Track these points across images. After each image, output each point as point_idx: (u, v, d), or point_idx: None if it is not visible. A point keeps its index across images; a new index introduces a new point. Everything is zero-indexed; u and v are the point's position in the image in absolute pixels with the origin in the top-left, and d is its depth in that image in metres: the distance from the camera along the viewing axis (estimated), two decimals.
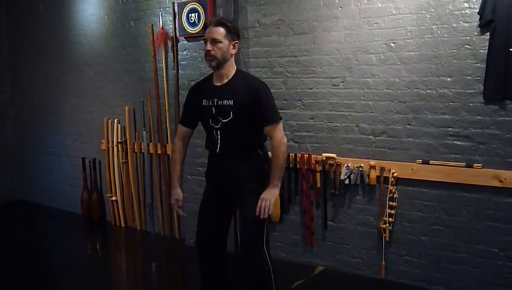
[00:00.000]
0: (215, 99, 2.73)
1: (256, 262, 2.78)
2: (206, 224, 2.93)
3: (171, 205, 3.09)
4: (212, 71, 2.83)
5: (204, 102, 2.79)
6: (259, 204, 2.68)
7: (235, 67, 2.81)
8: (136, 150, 5.06)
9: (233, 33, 2.73)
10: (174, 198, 2.97)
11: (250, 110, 2.69)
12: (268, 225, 2.86)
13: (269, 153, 2.88)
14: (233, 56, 2.77)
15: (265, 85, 2.82)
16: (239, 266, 2.93)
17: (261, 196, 2.70)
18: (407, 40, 3.42)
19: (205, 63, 2.79)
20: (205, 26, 2.77)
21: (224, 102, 2.70)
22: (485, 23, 3.09)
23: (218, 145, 2.77)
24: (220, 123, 2.73)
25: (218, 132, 2.75)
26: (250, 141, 2.78)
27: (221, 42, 2.66)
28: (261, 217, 2.68)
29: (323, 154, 3.82)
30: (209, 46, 2.67)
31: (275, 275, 2.81)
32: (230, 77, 2.76)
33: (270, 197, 2.70)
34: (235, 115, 2.69)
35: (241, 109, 2.68)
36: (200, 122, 2.93)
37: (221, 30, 2.67)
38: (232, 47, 2.72)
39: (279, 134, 2.73)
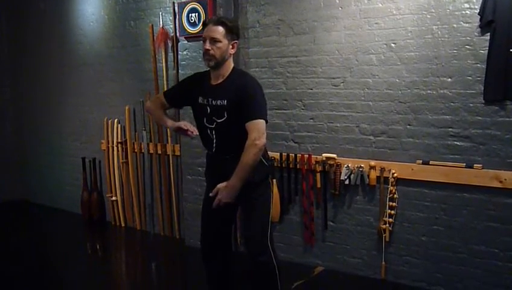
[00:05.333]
0: (210, 99, 2.69)
1: (261, 261, 2.77)
2: (210, 227, 2.93)
3: (179, 132, 2.80)
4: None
5: (200, 99, 2.75)
6: (217, 196, 2.61)
7: (232, 66, 2.74)
8: (136, 150, 5.06)
9: (233, 33, 2.67)
10: (177, 125, 2.81)
11: (240, 108, 2.61)
12: (271, 223, 2.84)
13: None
14: (232, 56, 2.71)
15: (257, 83, 2.73)
16: (242, 265, 2.92)
17: (219, 188, 2.60)
18: (408, 41, 3.42)
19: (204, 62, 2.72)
20: (204, 24, 2.70)
21: (218, 102, 2.66)
22: (486, 24, 3.09)
23: (214, 145, 2.74)
24: (215, 123, 2.69)
25: (214, 132, 2.72)
26: (245, 140, 2.67)
27: (220, 42, 2.61)
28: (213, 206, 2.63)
29: (324, 155, 3.81)
30: (207, 46, 2.61)
31: (279, 273, 2.80)
32: (225, 77, 2.70)
33: (224, 196, 2.59)
34: (229, 115, 2.64)
35: (234, 109, 2.62)
36: (194, 120, 2.88)
37: (221, 29, 2.61)
38: (231, 47, 2.67)
39: (253, 134, 2.55)
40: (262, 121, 2.60)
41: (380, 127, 3.59)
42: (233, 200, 2.63)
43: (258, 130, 2.56)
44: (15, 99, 6.45)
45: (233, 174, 2.58)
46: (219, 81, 2.71)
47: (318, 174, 3.86)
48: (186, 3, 4.29)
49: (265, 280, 2.81)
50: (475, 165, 3.23)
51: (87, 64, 5.46)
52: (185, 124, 2.78)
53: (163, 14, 4.65)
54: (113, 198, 5.26)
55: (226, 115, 2.64)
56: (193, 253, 4.26)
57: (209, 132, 2.73)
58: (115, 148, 5.17)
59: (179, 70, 4.51)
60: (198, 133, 2.73)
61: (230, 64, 2.71)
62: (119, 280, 4.21)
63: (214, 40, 2.61)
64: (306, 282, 3.72)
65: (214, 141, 2.73)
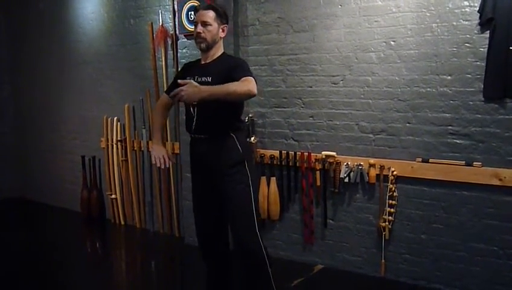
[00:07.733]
0: (197, 76, 2.79)
1: (250, 250, 2.77)
2: (204, 224, 2.96)
3: (156, 157, 2.86)
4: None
5: (188, 79, 2.79)
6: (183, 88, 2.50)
7: (223, 50, 2.88)
8: (135, 148, 5.06)
9: (223, 17, 2.83)
10: (159, 151, 2.87)
11: (227, 80, 2.64)
12: (258, 218, 2.81)
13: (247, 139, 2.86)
14: (222, 39, 2.85)
15: (246, 63, 2.85)
16: (235, 262, 2.92)
17: (191, 82, 2.51)
18: (407, 38, 3.41)
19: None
20: (196, 10, 2.85)
21: (203, 78, 2.76)
22: (485, 21, 3.08)
23: (194, 123, 2.79)
24: None
25: (195, 109, 2.78)
26: (226, 122, 2.76)
27: (210, 25, 2.76)
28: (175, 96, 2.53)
29: (323, 153, 3.81)
30: (199, 29, 2.76)
31: (270, 264, 2.80)
32: (214, 58, 2.84)
33: (188, 92, 2.45)
34: None
35: (219, 84, 2.66)
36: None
37: (211, 13, 2.77)
38: (221, 30, 2.81)
39: (248, 83, 2.57)
40: (253, 79, 2.62)
41: (379, 125, 3.59)
42: (191, 101, 2.58)
43: (251, 82, 2.58)
44: (15, 97, 6.45)
45: (212, 86, 2.57)
46: (208, 61, 2.84)
47: (318, 172, 3.85)
48: (185, 1, 4.27)
49: (256, 271, 2.80)
50: (474, 163, 3.23)
51: (86, 63, 5.46)
52: (160, 158, 2.84)
53: (163, 12, 4.64)
54: (113, 196, 5.26)
55: None
56: (192, 251, 4.26)
57: (191, 109, 2.81)
58: (115, 146, 5.17)
59: (179, 68, 4.50)
60: (167, 165, 2.83)
61: (220, 47, 2.86)
62: (118, 278, 4.21)
63: (205, 24, 2.77)
64: (305, 280, 3.72)
65: (195, 118, 2.79)
